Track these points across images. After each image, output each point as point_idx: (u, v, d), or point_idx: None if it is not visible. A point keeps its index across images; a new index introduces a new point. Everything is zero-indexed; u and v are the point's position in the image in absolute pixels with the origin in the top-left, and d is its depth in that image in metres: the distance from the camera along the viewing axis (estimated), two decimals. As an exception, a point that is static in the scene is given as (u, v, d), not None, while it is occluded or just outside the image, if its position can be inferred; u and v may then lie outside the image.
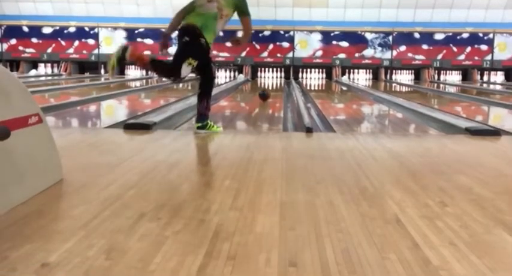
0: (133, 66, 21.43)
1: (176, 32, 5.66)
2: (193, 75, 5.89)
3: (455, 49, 20.85)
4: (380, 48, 20.90)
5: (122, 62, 5.41)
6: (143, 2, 20.37)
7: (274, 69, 21.01)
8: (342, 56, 20.82)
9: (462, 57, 20.88)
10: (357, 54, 20.86)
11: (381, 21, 20.73)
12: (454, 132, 6.14)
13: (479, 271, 2.05)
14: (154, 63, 5.63)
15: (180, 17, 5.67)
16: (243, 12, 5.62)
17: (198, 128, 5.66)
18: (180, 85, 16.75)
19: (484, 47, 20.88)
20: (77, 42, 21.17)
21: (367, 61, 20.93)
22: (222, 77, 20.26)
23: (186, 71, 5.44)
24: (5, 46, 21.31)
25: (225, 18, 5.58)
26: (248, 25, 5.68)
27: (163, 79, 5.80)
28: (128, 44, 5.59)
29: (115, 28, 21.06)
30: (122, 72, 21.06)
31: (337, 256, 2.16)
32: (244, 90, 15.44)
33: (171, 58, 5.61)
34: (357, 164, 4.15)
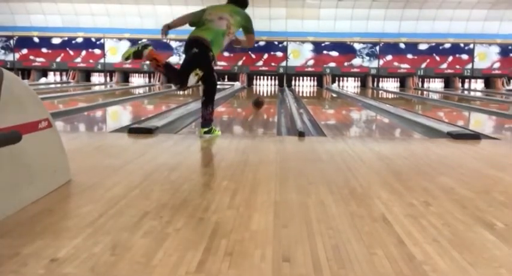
0: (137, 74, 21.47)
1: (183, 42, 5.80)
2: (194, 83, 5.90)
3: (438, 58, 20.90)
4: (368, 58, 20.92)
5: (137, 56, 5.48)
6: (146, 14, 20.36)
7: (269, 77, 21.02)
8: (332, 64, 20.83)
9: (444, 66, 20.93)
10: (346, 63, 20.88)
11: (368, 32, 20.78)
12: (437, 136, 6.15)
13: (461, 266, 2.05)
14: (167, 67, 5.68)
15: (186, 20, 5.74)
16: (249, 32, 5.89)
17: (205, 132, 5.77)
18: (181, 92, 16.75)
19: (465, 57, 20.93)
20: (84, 52, 21.16)
21: (355, 70, 20.95)
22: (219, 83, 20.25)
23: (192, 80, 5.50)
24: (17, 56, 21.28)
25: (231, 35, 5.67)
26: (251, 41, 5.98)
27: (172, 86, 5.81)
28: (150, 43, 5.61)
29: (120, 39, 21.05)
30: (126, 80, 21.13)
31: (327, 252, 2.16)
32: (241, 97, 15.43)
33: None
34: (346, 166, 4.15)
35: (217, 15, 5.66)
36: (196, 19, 5.71)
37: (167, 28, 5.70)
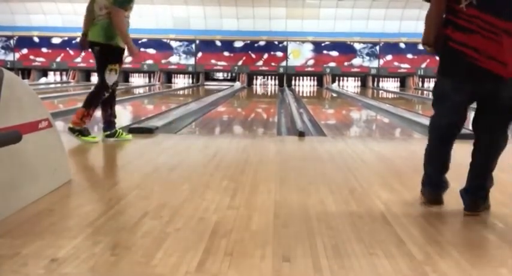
0: (136, 74, 21.48)
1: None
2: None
3: (438, 58, 20.87)
4: (368, 58, 20.91)
5: (77, 132, 5.11)
6: (145, 13, 20.34)
7: (269, 77, 21.02)
8: (332, 64, 20.81)
9: (445, 65, 20.92)
10: (346, 63, 20.86)
11: (368, 32, 20.77)
12: (437, 136, 6.13)
13: (461, 266, 2.05)
14: (89, 105, 5.26)
15: (89, 17, 5.21)
16: (114, 1, 4.94)
17: (107, 136, 5.30)
18: (181, 92, 16.75)
19: (465, 56, 20.92)
20: (84, 52, 21.15)
21: (355, 69, 20.93)
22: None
23: (111, 77, 5.17)
24: (17, 55, 21.28)
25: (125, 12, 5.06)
26: (115, 19, 4.96)
27: (104, 95, 5.27)
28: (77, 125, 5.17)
29: (119, 38, 21.05)
30: (126, 79, 21.12)
31: (327, 252, 2.17)
32: (241, 97, 15.43)
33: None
34: (346, 165, 4.15)
35: (98, 6, 5.10)
36: (91, 9, 5.20)
37: (84, 37, 5.32)
